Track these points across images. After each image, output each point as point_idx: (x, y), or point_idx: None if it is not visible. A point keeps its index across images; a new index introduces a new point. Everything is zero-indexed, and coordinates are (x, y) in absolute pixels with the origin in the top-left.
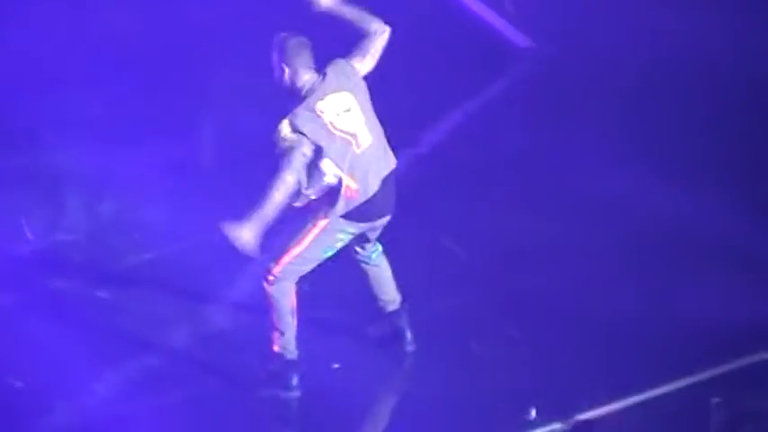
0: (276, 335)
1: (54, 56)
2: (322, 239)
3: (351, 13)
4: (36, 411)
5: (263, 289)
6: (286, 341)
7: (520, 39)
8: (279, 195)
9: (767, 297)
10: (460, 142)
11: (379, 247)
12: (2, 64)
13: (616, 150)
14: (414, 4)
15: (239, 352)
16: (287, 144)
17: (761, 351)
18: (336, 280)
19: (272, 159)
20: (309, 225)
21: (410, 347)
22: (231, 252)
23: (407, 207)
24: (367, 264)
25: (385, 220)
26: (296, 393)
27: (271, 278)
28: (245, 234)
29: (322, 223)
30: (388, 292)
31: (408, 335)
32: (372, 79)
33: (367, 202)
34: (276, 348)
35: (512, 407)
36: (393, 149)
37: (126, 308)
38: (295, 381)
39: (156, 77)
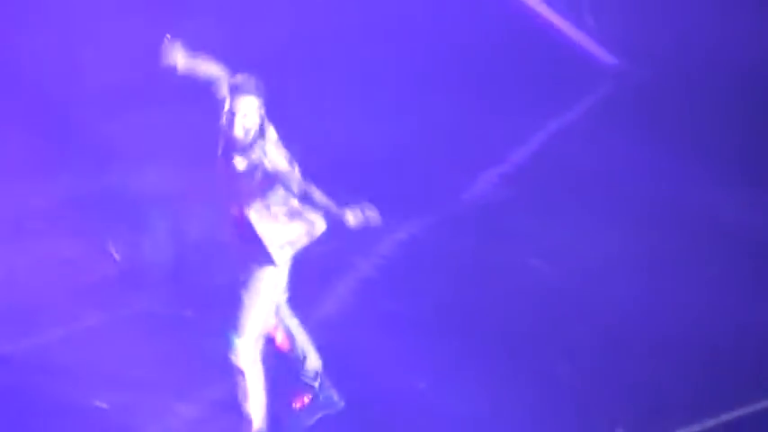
0: None
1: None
2: None
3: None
4: None
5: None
6: None
7: (605, 56)
8: None
9: None
10: (546, 161)
11: None
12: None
13: (706, 167)
14: (497, 23)
15: (327, 368)
16: None
17: None
18: None
19: None
20: None
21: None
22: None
23: (494, 227)
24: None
25: None
26: None
27: None
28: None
29: None
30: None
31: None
32: (460, 100)
33: None
34: None
35: (601, 422)
36: (478, 169)
37: (212, 328)
38: None
39: None
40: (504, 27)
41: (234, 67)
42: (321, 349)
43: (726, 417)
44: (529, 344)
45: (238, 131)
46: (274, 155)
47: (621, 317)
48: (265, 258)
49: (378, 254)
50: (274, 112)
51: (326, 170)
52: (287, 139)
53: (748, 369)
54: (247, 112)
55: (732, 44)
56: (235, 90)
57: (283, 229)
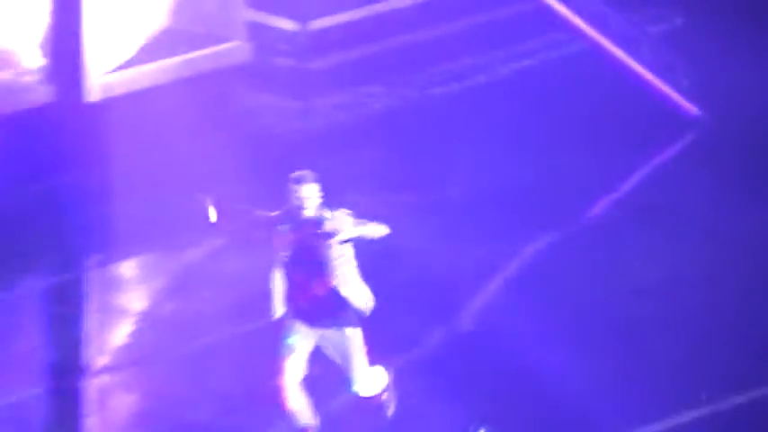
0: None
1: None
2: None
3: None
4: None
5: None
6: None
7: (689, 108)
8: None
9: None
10: (645, 190)
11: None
12: None
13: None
14: (591, 76)
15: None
16: None
17: None
18: None
19: None
20: None
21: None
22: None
23: (606, 242)
24: None
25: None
26: None
27: None
28: None
29: None
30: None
31: None
32: (578, 145)
33: None
34: None
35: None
36: (594, 197)
37: (317, 354)
38: None
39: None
40: (610, 86)
41: None
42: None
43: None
44: (634, 339)
45: (309, 212)
46: (345, 227)
47: (716, 319)
48: (355, 317)
49: (510, 265)
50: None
51: (489, 197)
52: (427, 187)
53: None
54: (312, 196)
55: None
56: (298, 181)
57: (357, 287)
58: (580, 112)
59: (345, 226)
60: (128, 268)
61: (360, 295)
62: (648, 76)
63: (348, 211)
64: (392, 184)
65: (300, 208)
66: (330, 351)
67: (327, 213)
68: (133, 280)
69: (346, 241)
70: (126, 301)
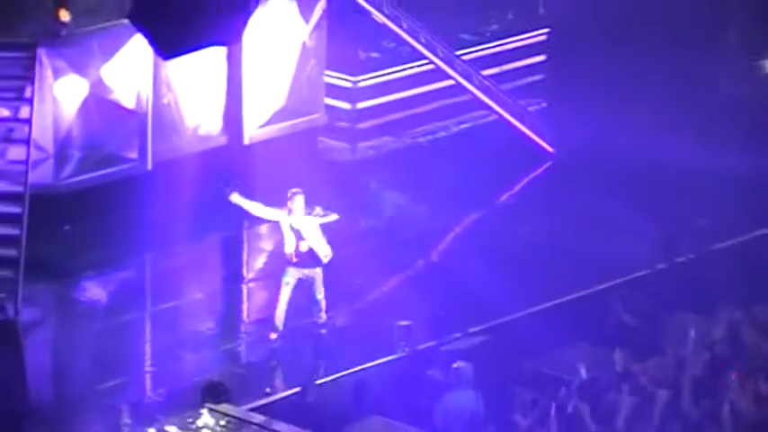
0: None
1: None
2: None
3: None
4: None
5: None
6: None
7: (547, 147)
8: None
9: None
10: None
11: None
12: None
13: None
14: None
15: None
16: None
17: None
18: None
19: None
20: None
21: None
22: None
23: None
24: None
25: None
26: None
27: None
28: None
29: None
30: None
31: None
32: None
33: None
34: None
35: None
36: None
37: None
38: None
39: None
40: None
41: None
42: None
43: None
44: None
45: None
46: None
47: None
48: (320, 262)
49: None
50: None
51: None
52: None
53: None
54: (299, 202)
55: None
56: (294, 194)
57: (321, 246)
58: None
59: (316, 218)
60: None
61: (322, 251)
62: (522, 128)
63: (320, 211)
64: (394, 186)
65: (294, 209)
66: (308, 279)
67: (307, 211)
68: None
69: (317, 223)
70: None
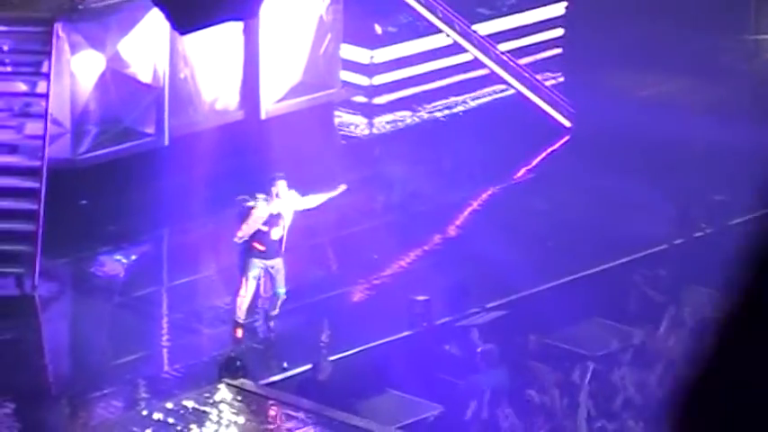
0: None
1: None
2: None
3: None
4: None
5: None
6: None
7: (564, 121)
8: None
9: None
10: None
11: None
12: None
13: None
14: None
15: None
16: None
17: None
18: None
19: None
20: None
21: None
22: None
23: None
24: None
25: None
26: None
27: None
28: None
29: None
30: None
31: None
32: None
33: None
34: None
35: None
36: None
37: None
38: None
39: None
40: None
41: None
42: None
43: None
44: None
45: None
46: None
47: None
48: (282, 254)
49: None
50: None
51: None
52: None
53: None
54: (282, 186)
55: None
56: (275, 178)
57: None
58: (502, 127)
59: (294, 201)
60: None
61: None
62: (540, 102)
63: (296, 194)
64: (410, 161)
65: (278, 193)
66: (272, 271)
67: (289, 194)
68: None
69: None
70: None
